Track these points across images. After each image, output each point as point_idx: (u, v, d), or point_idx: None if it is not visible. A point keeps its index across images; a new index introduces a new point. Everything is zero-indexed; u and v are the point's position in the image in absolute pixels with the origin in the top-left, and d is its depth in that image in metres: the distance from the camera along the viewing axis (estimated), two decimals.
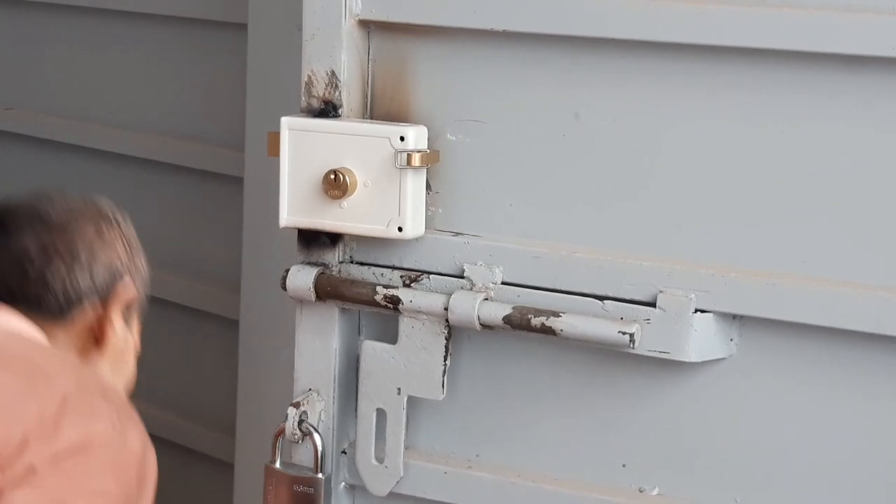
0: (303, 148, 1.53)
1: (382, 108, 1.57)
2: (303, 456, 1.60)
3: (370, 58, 1.57)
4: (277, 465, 1.60)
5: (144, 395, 1.58)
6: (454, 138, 1.54)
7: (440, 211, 1.55)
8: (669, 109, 1.44)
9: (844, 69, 1.36)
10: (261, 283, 2.19)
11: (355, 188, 1.51)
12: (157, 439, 1.41)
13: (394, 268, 1.55)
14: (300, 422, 1.56)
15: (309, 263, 1.58)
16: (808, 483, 1.43)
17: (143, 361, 1.51)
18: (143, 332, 1.50)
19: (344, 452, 1.60)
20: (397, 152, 1.49)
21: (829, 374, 1.42)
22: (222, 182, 2.31)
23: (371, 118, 1.57)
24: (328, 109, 1.55)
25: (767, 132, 1.40)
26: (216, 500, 2.30)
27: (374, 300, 1.53)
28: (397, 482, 1.56)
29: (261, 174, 2.14)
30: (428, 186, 1.55)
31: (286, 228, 1.56)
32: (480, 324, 1.49)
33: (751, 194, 1.42)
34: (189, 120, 2.39)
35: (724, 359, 1.44)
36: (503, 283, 1.51)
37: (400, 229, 1.50)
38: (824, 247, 1.40)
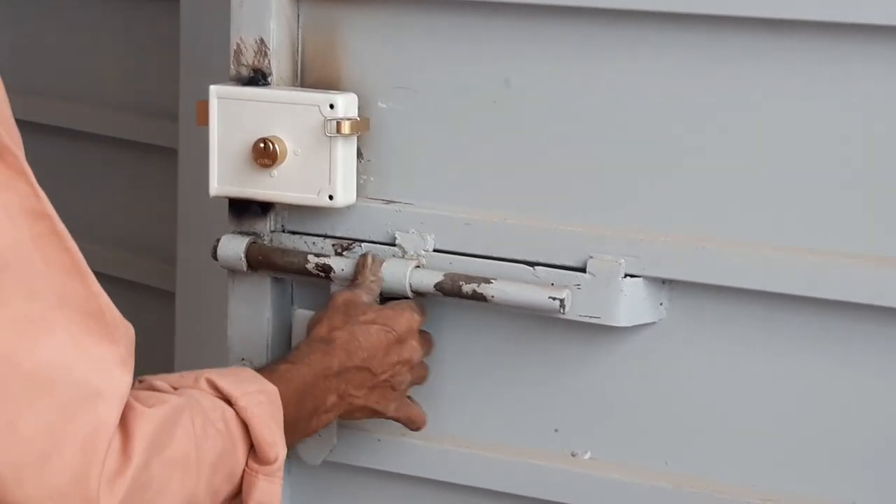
0: (232, 117, 1.52)
1: (313, 76, 1.57)
2: None
3: (300, 25, 1.56)
4: None
5: None
6: (385, 106, 1.54)
7: (372, 179, 1.55)
8: (597, 75, 1.44)
9: (770, 33, 1.37)
10: (196, 256, 2.18)
11: (285, 157, 1.50)
12: None
13: (325, 236, 1.55)
14: None
15: (240, 233, 1.57)
16: (738, 446, 1.44)
17: None
18: None
19: None
20: (327, 120, 1.48)
21: (759, 337, 1.43)
22: (156, 153, 2.29)
23: (302, 86, 1.57)
24: (257, 77, 1.54)
25: (692, 96, 1.41)
26: None
27: (306, 269, 1.53)
28: (330, 451, 1.57)
29: (195, 145, 2.13)
30: (360, 154, 1.55)
31: (219, 198, 1.56)
32: (412, 291, 1.49)
33: (678, 159, 1.42)
34: (121, 90, 2.37)
35: (654, 323, 1.46)
36: (435, 250, 1.51)
37: (331, 197, 1.50)
38: (752, 211, 1.41)
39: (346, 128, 1.48)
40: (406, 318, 1.48)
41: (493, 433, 1.54)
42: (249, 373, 1.38)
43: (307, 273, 1.54)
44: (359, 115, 1.52)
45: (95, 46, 2.39)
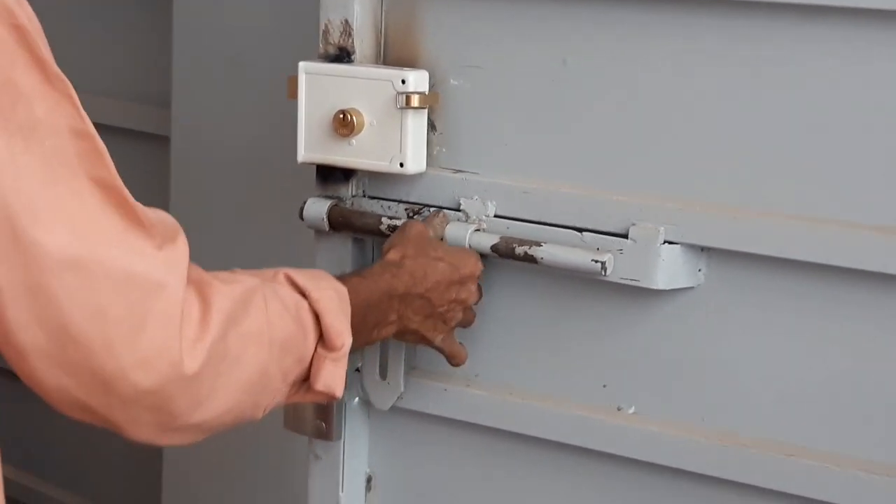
0: (317, 91, 1.67)
1: (394, 54, 1.71)
2: None
3: (383, 8, 1.71)
4: None
5: None
6: (456, 83, 1.67)
7: (444, 150, 1.69)
8: (644, 57, 1.56)
9: (800, 17, 1.47)
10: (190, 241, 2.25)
11: (362, 127, 1.65)
12: None
13: (399, 201, 1.70)
14: None
15: (325, 196, 1.73)
16: (767, 405, 1.54)
17: None
18: None
19: (357, 370, 1.76)
20: (398, 94, 1.63)
21: (792, 304, 1.53)
22: (148, 141, 2.28)
23: (385, 64, 1.71)
24: (342, 55, 1.69)
25: (731, 76, 1.52)
26: None
27: (380, 230, 1.67)
28: (398, 397, 1.71)
29: (187, 132, 2.13)
30: (433, 127, 1.69)
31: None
32: None
33: (717, 135, 1.53)
34: (113, 78, 2.36)
35: (692, 288, 1.57)
36: (496, 216, 1.64)
37: (402, 165, 1.64)
38: (786, 183, 1.50)
39: (415, 101, 1.62)
40: (471, 263, 1.61)
41: (548, 387, 1.66)
42: (324, 274, 1.53)
43: (381, 234, 1.68)
44: (431, 91, 1.66)
45: (86, 34, 2.38)
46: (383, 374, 1.72)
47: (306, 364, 1.48)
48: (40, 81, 1.27)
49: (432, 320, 1.60)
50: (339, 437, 1.75)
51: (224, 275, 1.44)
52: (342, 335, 1.48)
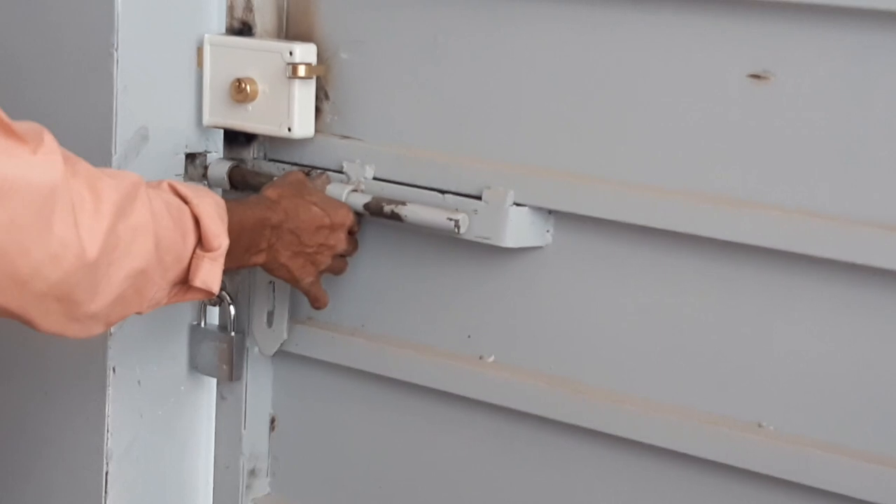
0: (219, 61, 1.84)
1: (294, 29, 1.88)
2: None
3: None
4: (202, 324, 1.94)
5: None
6: (346, 56, 1.83)
7: (336, 118, 1.85)
8: (505, 35, 1.70)
9: None
10: None
11: (256, 95, 1.81)
12: None
13: (292, 164, 1.86)
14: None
15: (229, 158, 1.90)
16: (608, 356, 1.68)
17: None
18: None
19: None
20: (287, 64, 1.79)
21: (633, 265, 1.66)
22: None
23: (287, 38, 1.87)
24: (244, 29, 1.86)
25: (578, 52, 1.66)
26: None
27: None
28: (282, 343, 1.88)
29: None
30: (327, 96, 1.84)
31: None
32: None
33: (567, 107, 1.67)
34: None
35: (541, 247, 1.71)
36: (374, 178, 1.80)
37: (289, 129, 1.81)
38: (628, 152, 1.64)
39: (301, 71, 1.78)
40: (342, 213, 1.76)
41: (421, 337, 1.82)
42: (206, 189, 1.67)
43: None
44: (323, 64, 1.82)
45: None
46: (269, 323, 1.89)
47: (185, 264, 1.60)
48: None
49: (301, 259, 1.74)
50: (240, 378, 1.92)
51: (110, 171, 1.57)
52: (219, 237, 1.61)
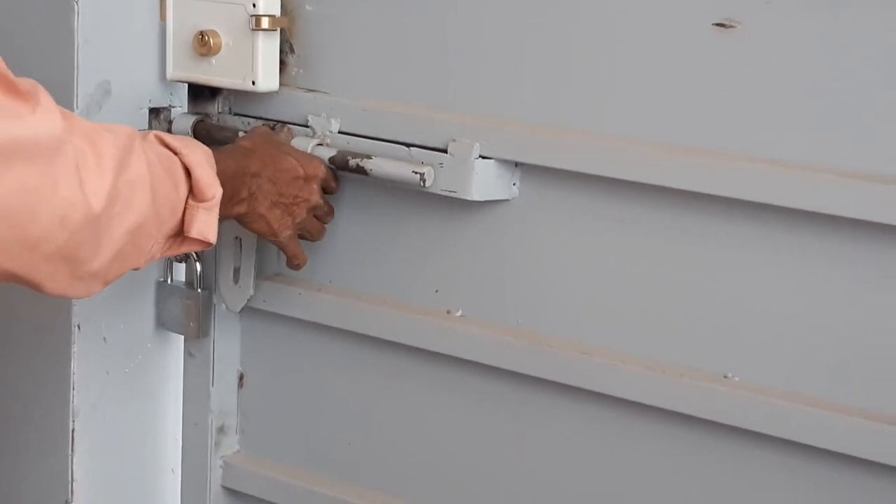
0: (183, 13, 1.82)
1: None
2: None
3: None
4: (168, 280, 1.92)
5: None
6: (311, 9, 1.81)
7: (301, 71, 1.83)
8: None
9: None
10: None
11: (220, 48, 1.79)
12: None
13: (258, 118, 1.84)
14: None
15: (193, 113, 1.88)
16: (572, 308, 1.67)
17: None
18: None
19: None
20: (250, 16, 1.77)
21: (600, 219, 1.65)
22: None
23: None
24: None
25: (539, 8, 1.64)
26: None
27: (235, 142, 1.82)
28: (248, 299, 1.86)
29: None
30: (292, 49, 1.82)
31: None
32: None
33: (530, 60, 1.66)
34: None
35: (508, 200, 1.69)
36: (340, 132, 1.78)
37: (253, 83, 1.78)
38: (588, 104, 1.62)
39: (264, 23, 1.76)
40: (315, 164, 1.74)
41: (390, 292, 1.80)
42: (191, 139, 1.66)
43: None
44: (287, 16, 1.80)
45: None
46: (236, 279, 1.87)
47: (179, 215, 1.58)
48: None
49: (279, 210, 1.71)
50: (207, 335, 1.91)
51: (106, 125, 1.54)
52: (212, 186, 1.59)
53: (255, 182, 1.69)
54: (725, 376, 1.57)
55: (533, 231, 1.70)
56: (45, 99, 1.44)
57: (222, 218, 1.67)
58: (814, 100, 1.50)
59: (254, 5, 1.76)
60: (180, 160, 1.58)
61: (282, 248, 1.76)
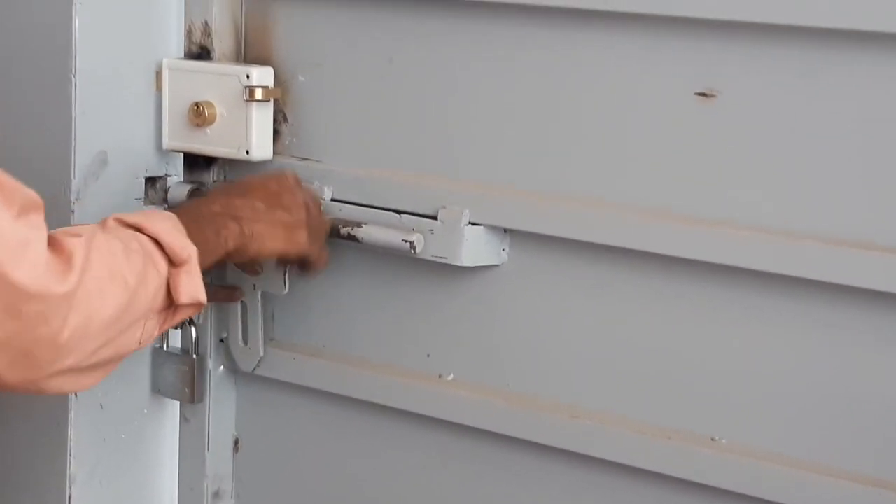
0: (178, 85, 1.86)
1: (252, 53, 1.89)
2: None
3: (243, 11, 1.89)
4: (164, 347, 1.95)
5: None
6: (303, 79, 1.85)
7: (294, 140, 1.86)
8: (459, 57, 1.72)
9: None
10: None
11: (215, 118, 1.83)
12: None
13: None
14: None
15: (189, 181, 1.91)
16: (563, 373, 1.69)
17: None
18: None
19: (221, 341, 1.93)
20: (244, 88, 1.80)
21: (587, 283, 1.68)
22: None
23: (245, 61, 1.89)
24: (203, 53, 1.88)
25: (530, 76, 1.67)
26: None
27: None
28: (259, 360, 1.89)
29: None
30: (286, 119, 1.86)
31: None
32: None
33: (521, 127, 1.69)
34: None
35: (498, 266, 1.72)
36: (332, 199, 1.81)
37: (247, 152, 1.82)
38: (582, 170, 1.65)
39: (258, 94, 1.80)
40: (279, 174, 1.74)
41: (382, 357, 1.83)
42: (152, 210, 1.69)
43: None
44: (280, 87, 1.83)
45: None
46: (245, 340, 1.90)
47: (165, 287, 1.59)
48: None
49: (280, 228, 1.70)
50: (202, 400, 1.93)
51: (67, 229, 1.56)
52: (185, 248, 1.59)
53: (233, 207, 1.68)
54: (713, 439, 1.59)
55: (523, 295, 1.73)
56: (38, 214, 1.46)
57: (220, 259, 1.68)
58: (792, 167, 1.53)
59: (248, 77, 1.80)
60: (145, 235, 1.59)
61: (305, 256, 1.74)
